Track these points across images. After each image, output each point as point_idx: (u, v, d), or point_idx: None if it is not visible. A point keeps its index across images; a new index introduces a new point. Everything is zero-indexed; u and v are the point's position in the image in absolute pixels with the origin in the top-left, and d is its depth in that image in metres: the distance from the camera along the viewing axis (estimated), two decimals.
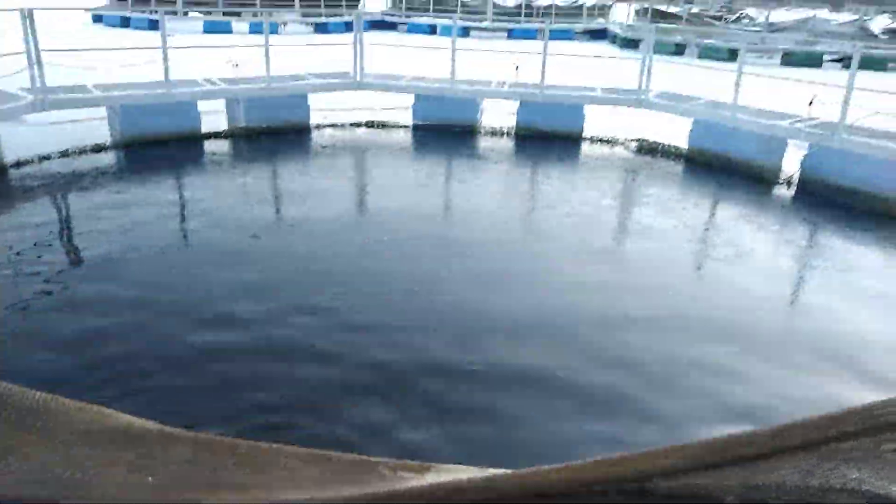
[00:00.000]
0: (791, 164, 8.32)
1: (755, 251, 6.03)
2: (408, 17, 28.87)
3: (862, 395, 3.78)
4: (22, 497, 2.85)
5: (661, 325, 4.56)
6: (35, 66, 7.68)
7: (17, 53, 7.64)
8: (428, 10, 29.34)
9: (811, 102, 8.09)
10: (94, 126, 9.03)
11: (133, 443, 3.27)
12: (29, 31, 7.51)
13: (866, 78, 12.50)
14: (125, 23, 24.69)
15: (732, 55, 20.17)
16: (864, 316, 4.85)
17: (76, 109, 8.68)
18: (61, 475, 3.14)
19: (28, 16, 7.48)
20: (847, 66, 8.44)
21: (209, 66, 9.83)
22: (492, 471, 3.04)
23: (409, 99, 10.47)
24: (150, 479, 3.07)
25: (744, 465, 2.80)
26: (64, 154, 8.05)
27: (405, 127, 10.37)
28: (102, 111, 8.88)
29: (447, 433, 3.39)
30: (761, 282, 5.36)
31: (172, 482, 3.14)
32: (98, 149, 8.38)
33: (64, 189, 6.95)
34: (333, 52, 10.63)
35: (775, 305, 5.01)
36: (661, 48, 19.30)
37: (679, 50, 22.52)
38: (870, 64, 19.03)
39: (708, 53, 21.73)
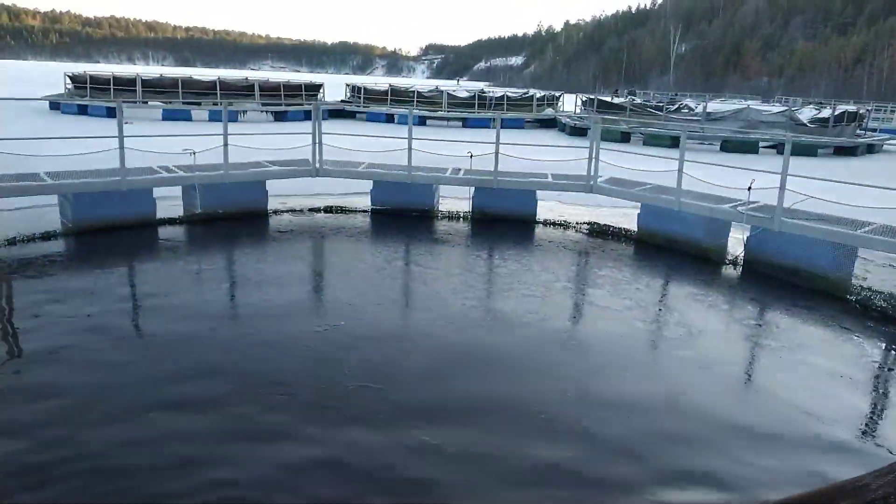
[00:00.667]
0: (735, 246, 8.67)
1: (706, 330, 6.17)
2: (366, 106, 29.78)
3: (819, 467, 3.82)
4: None
5: (618, 403, 4.57)
6: None
7: None
8: (385, 101, 30.36)
9: (750, 187, 8.53)
10: (45, 213, 8.88)
11: None
12: None
13: (799, 163, 13.32)
14: (83, 111, 24.79)
15: (674, 142, 21.31)
16: (815, 392, 4.96)
17: (29, 198, 8.55)
18: None
19: None
20: (781, 152, 8.99)
21: (167, 153, 9.87)
22: None
23: (368, 184, 10.66)
24: None
25: None
26: (10, 242, 7.85)
27: (364, 211, 10.49)
28: (54, 198, 8.76)
29: None
30: (714, 360, 5.46)
31: None
32: (47, 236, 8.21)
33: (8, 278, 6.74)
34: (293, 140, 10.82)
35: (728, 382, 5.09)
36: (607, 136, 20.29)
37: (625, 138, 23.67)
38: (801, 150, 20.33)
39: (651, 141, 22.90)
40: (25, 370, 4.76)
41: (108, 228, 8.57)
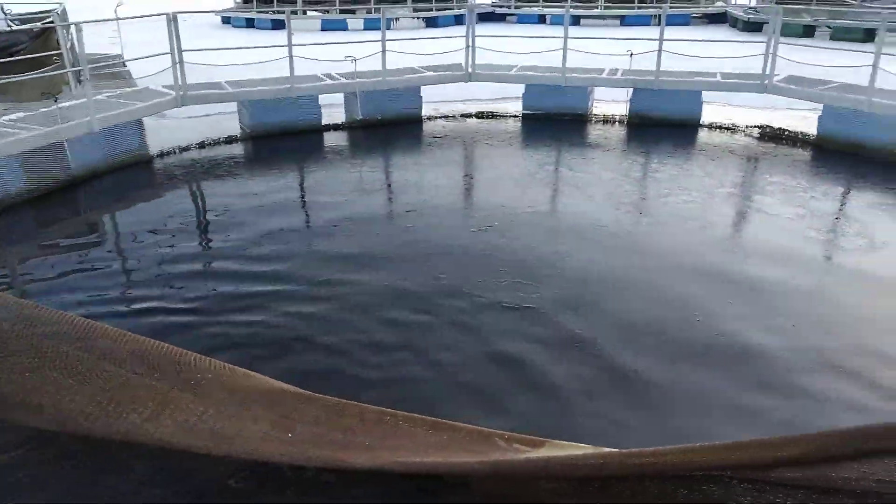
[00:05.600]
0: None
1: (892, 241, 5.61)
2: (517, 7, 28.76)
3: None
4: (175, 444, 3.15)
5: (786, 313, 4.37)
6: (177, 66, 8.40)
7: (161, 54, 8.37)
8: (537, 0, 29.09)
9: None
10: (225, 119, 9.74)
11: (273, 403, 3.55)
12: (173, 34, 8.22)
13: None
14: (250, 24, 26.26)
15: (869, 35, 18.59)
16: None
17: (210, 105, 9.42)
18: (212, 427, 3.45)
19: (173, 20, 8.18)
20: None
21: (329, 61, 10.32)
22: (605, 450, 3.05)
23: (520, 89, 10.50)
24: (290, 435, 3.34)
25: (862, 459, 2.67)
26: (201, 145, 8.76)
27: (515, 116, 10.41)
28: (232, 106, 9.56)
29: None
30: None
31: (308, 439, 3.39)
32: (230, 140, 9.04)
33: (202, 177, 7.59)
34: (444, 45, 10.84)
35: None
36: (787, 30, 18.14)
37: (808, 32, 21.02)
38: None
39: (840, 35, 20.15)
40: (227, 257, 5.45)
41: (281, 133, 9.26)
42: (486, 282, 4.89)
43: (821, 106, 8.80)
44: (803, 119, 9.49)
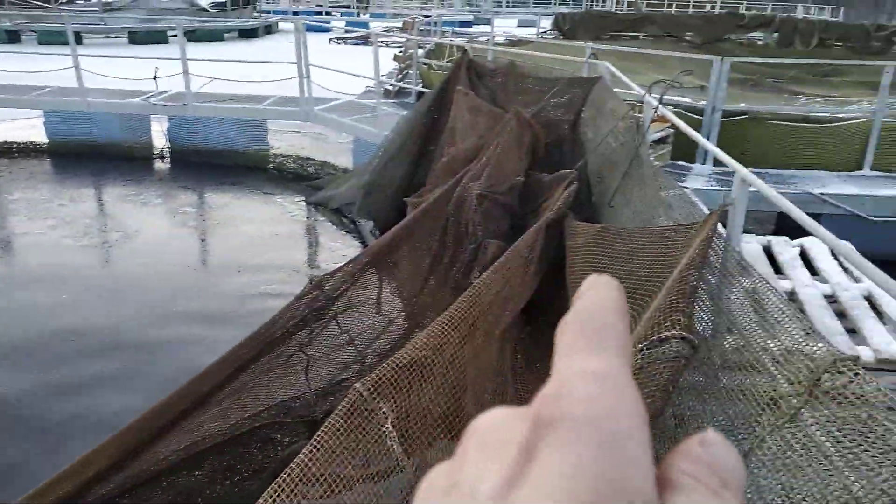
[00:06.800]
0: (161, 138, 8.55)
1: (143, 228, 6.07)
2: None
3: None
4: None
5: (69, 328, 4.20)
6: None
7: None
8: None
9: (155, 77, 8.37)
10: None
11: None
12: None
13: (208, 48, 13.70)
14: None
15: (79, 38, 19.15)
16: (253, 249, 5.50)
17: None
18: None
19: None
20: (195, 40, 8.99)
21: None
22: None
23: None
24: None
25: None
26: None
27: None
28: None
29: None
30: (156, 250, 5.46)
31: None
32: None
33: None
34: None
35: (176, 265, 5.20)
36: None
37: (14, 37, 20.11)
38: (208, 36, 20.92)
39: (48, 38, 20.05)
40: None
41: None
42: None
43: (42, 112, 8.58)
44: (32, 128, 9.08)
